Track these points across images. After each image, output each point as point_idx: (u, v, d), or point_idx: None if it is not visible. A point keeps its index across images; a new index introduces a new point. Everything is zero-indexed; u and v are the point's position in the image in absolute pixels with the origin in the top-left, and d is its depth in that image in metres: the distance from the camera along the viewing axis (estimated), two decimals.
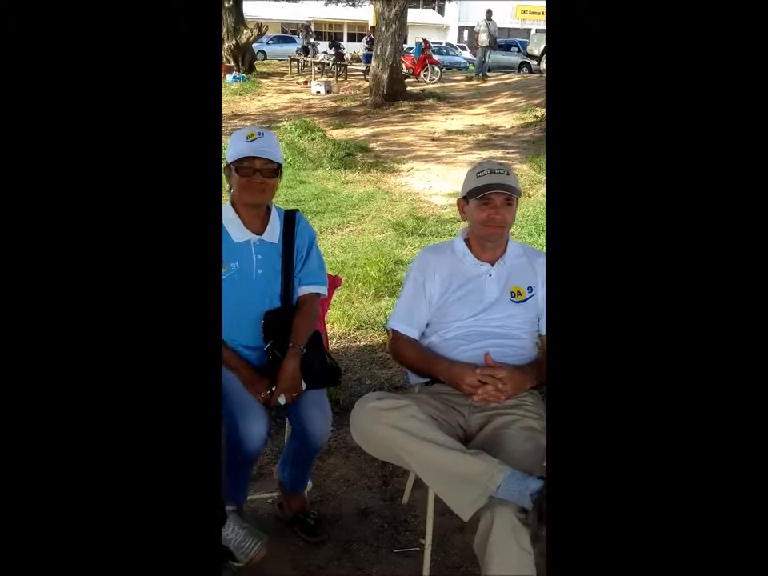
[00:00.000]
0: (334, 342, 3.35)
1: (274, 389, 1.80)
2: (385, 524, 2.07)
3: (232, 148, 1.84)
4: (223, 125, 11.16)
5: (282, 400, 1.81)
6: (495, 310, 1.80)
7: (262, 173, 1.81)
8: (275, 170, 1.84)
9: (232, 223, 1.87)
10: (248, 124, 10.34)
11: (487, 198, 1.76)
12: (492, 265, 1.85)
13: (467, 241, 1.89)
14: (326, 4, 21.63)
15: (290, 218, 1.96)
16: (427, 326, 1.87)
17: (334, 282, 2.19)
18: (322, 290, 2.00)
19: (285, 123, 9.71)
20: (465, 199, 1.85)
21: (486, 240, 1.83)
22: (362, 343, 3.43)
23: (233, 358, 1.84)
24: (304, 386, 1.83)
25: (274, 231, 1.92)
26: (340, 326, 3.53)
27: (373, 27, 16.44)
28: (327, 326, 2.76)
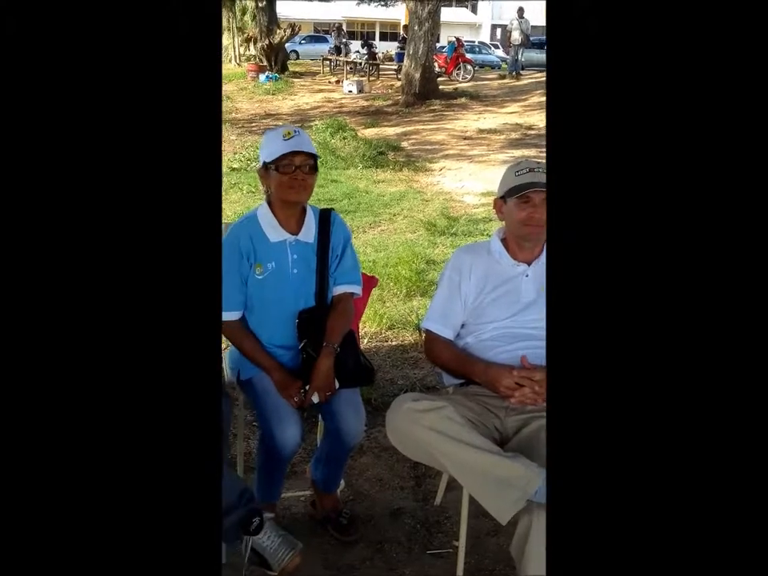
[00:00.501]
0: (365, 341, 3.36)
1: (307, 387, 1.81)
2: (417, 525, 2.07)
3: (269, 148, 1.84)
4: (255, 124, 11.23)
5: (315, 399, 1.81)
6: (532, 311, 1.78)
7: (302, 169, 1.81)
8: (313, 166, 1.84)
9: (268, 224, 1.88)
10: (280, 123, 10.41)
11: (527, 197, 1.74)
12: (529, 265, 1.83)
13: (504, 241, 1.88)
14: (359, 4, 21.67)
15: (326, 217, 1.96)
16: (462, 326, 1.86)
17: (370, 283, 2.19)
18: (356, 289, 1.99)
19: (317, 122, 9.76)
20: (503, 199, 1.83)
21: (525, 239, 1.81)
22: (393, 343, 3.43)
23: (266, 359, 1.84)
24: (337, 384, 1.84)
25: (309, 231, 1.92)
26: (372, 325, 3.53)
27: (405, 26, 16.41)
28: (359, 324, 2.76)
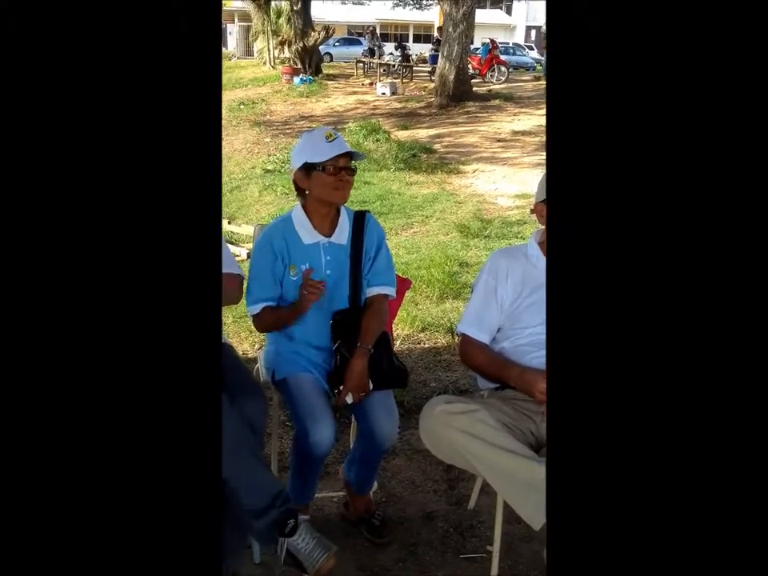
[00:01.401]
0: (398, 343, 3.36)
1: (341, 388, 1.81)
2: (450, 528, 2.06)
3: (312, 149, 1.84)
4: (289, 126, 11.32)
5: (349, 399, 1.82)
6: None
7: (345, 171, 1.84)
8: (353, 168, 1.87)
9: (302, 226, 1.89)
10: (314, 125, 10.47)
11: None
12: None
13: (542, 245, 1.86)
14: (394, 7, 21.67)
15: (360, 219, 1.97)
16: (498, 330, 1.85)
17: (403, 285, 2.19)
18: (390, 291, 1.99)
19: (350, 124, 9.80)
20: (544, 203, 1.81)
21: None
22: (426, 345, 3.42)
23: (290, 306, 1.87)
24: (371, 385, 1.84)
25: (342, 233, 1.93)
26: (404, 327, 3.53)
27: (440, 28, 16.39)
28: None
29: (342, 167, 1.82)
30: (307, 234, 1.90)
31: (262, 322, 1.92)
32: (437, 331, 3.53)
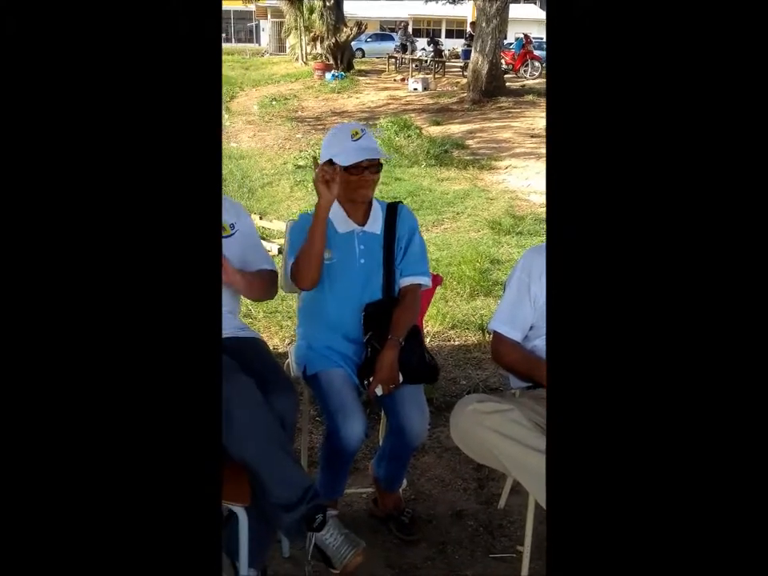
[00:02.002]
0: (428, 340, 3.34)
1: (371, 379, 1.81)
2: (480, 527, 2.04)
3: (337, 148, 1.84)
4: (321, 122, 11.37)
5: (378, 391, 1.81)
6: None
7: (369, 170, 1.84)
8: (379, 165, 1.87)
9: (336, 215, 1.90)
10: (346, 121, 10.49)
11: None
12: None
13: None
14: (426, 2, 21.59)
15: (393, 210, 1.98)
16: (531, 328, 1.82)
17: (434, 281, 2.17)
18: (424, 280, 1.97)
19: (381, 120, 9.78)
20: None
21: None
22: (456, 343, 3.40)
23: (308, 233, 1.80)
24: (401, 378, 1.83)
25: (376, 222, 1.94)
26: (434, 324, 3.52)
27: (473, 23, 16.28)
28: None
29: (366, 167, 1.83)
30: (341, 223, 1.91)
31: (297, 264, 1.84)
32: (467, 329, 3.50)
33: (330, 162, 1.83)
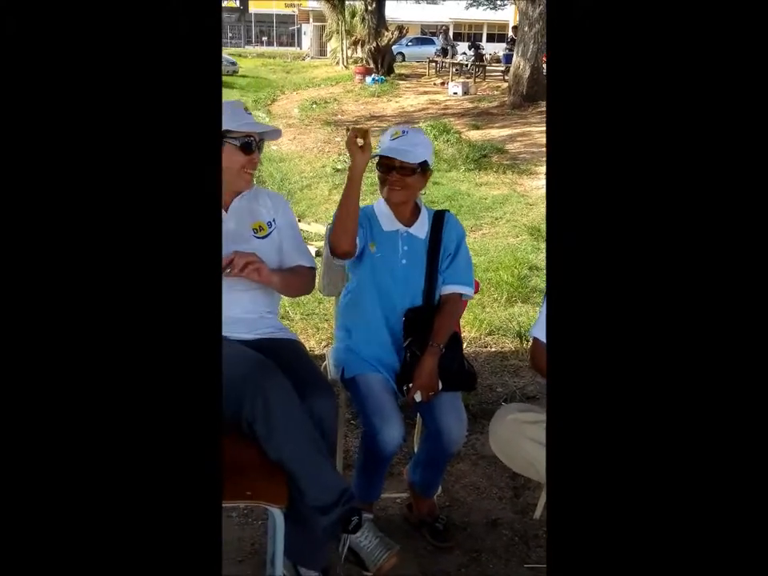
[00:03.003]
0: (464, 345, 3.32)
1: (410, 386, 1.81)
2: (515, 537, 2.02)
3: (381, 144, 1.91)
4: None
5: (417, 397, 1.81)
6: None
7: (398, 171, 1.84)
8: (414, 169, 1.85)
9: (383, 214, 1.93)
10: (384, 125, 10.51)
11: None
12: None
13: None
14: (468, 7, 21.54)
15: (439, 217, 1.98)
16: None
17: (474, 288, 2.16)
18: (467, 290, 1.98)
19: (420, 124, 9.78)
20: None
21: None
22: (493, 349, 3.38)
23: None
24: (440, 385, 1.82)
25: (422, 226, 1.95)
26: (471, 330, 3.50)
27: (515, 27, 16.18)
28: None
29: (396, 167, 1.84)
30: (387, 221, 1.93)
31: (333, 229, 1.81)
32: (504, 335, 3.47)
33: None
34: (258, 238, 1.77)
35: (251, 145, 1.71)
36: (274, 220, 1.81)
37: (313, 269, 1.87)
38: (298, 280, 1.82)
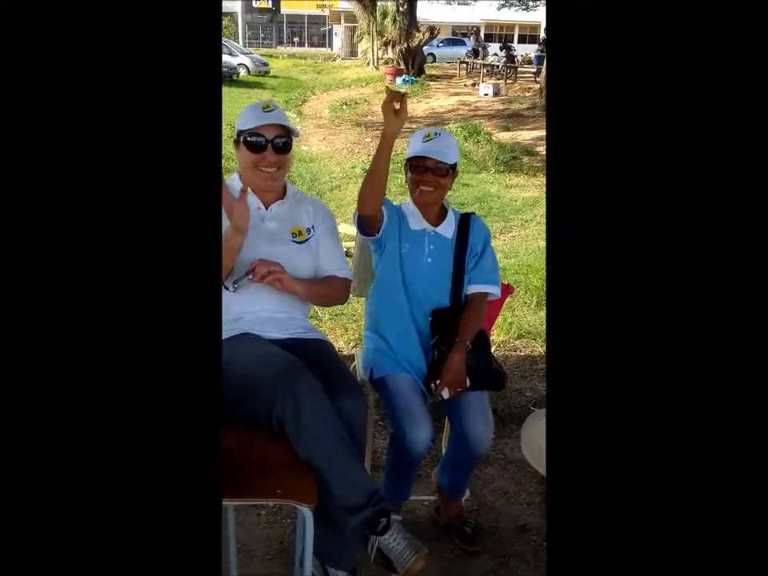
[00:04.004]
0: (493, 349, 3.30)
1: (437, 382, 1.80)
2: (544, 542, 2.00)
3: (411, 146, 1.92)
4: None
5: (445, 394, 1.81)
6: None
7: (432, 172, 1.85)
8: (448, 170, 1.87)
9: (411, 213, 1.94)
10: (414, 127, 10.50)
11: None
12: None
13: None
14: (500, 8, 21.44)
15: (466, 219, 2.00)
16: None
17: (506, 291, 2.15)
18: (493, 290, 1.98)
19: (450, 125, 9.75)
20: None
21: None
22: (522, 353, 3.35)
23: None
24: (468, 382, 1.82)
25: (449, 226, 1.96)
26: (500, 333, 3.47)
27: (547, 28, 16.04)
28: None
29: (429, 168, 1.86)
30: (415, 220, 1.94)
31: (362, 188, 1.82)
32: (534, 339, 3.45)
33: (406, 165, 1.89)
34: (296, 242, 1.78)
35: (258, 144, 1.73)
36: (313, 227, 1.83)
37: (348, 280, 1.87)
38: (329, 290, 1.82)
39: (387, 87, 1.77)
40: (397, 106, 1.65)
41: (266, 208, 1.79)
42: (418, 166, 1.87)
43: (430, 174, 1.86)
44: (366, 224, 1.86)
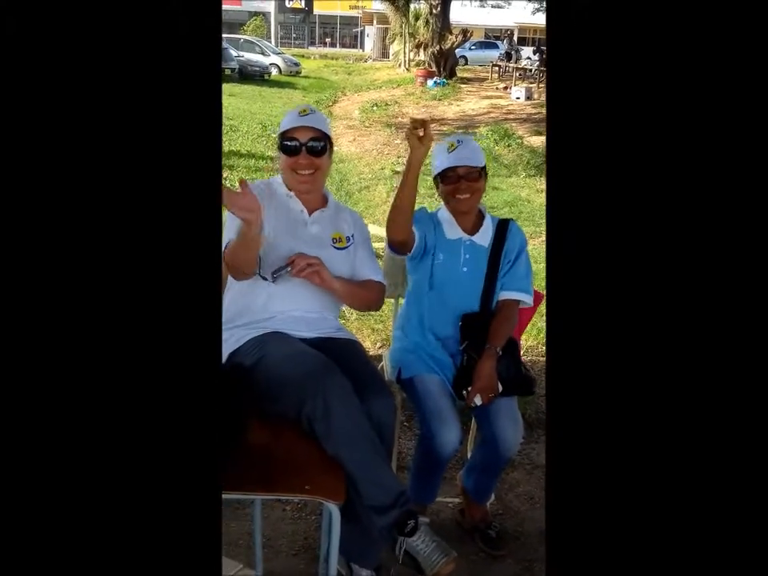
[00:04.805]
0: (522, 353, 3.29)
1: (469, 389, 1.80)
2: None
3: (436, 161, 1.92)
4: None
5: (477, 401, 1.80)
6: None
7: (466, 178, 1.86)
8: (480, 173, 1.89)
9: (446, 222, 1.94)
10: (445, 129, 10.49)
11: None
12: None
13: None
14: (534, 12, 21.32)
15: (503, 225, 1.99)
16: None
17: (538, 299, 2.14)
18: (525, 297, 1.97)
19: (481, 129, 9.72)
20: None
21: None
22: None
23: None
24: (500, 387, 1.81)
25: (485, 234, 1.96)
26: (528, 338, 3.45)
27: None
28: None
29: (462, 176, 1.86)
30: (451, 229, 1.94)
31: (389, 214, 1.81)
32: None
33: (435, 178, 1.91)
34: (336, 248, 1.81)
35: (292, 147, 1.76)
36: (352, 235, 1.86)
37: (383, 285, 1.89)
38: (366, 292, 1.84)
39: (412, 118, 1.76)
40: (420, 133, 1.65)
41: (309, 214, 1.82)
42: (449, 176, 1.88)
43: (464, 182, 1.87)
44: (398, 247, 1.87)
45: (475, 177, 1.88)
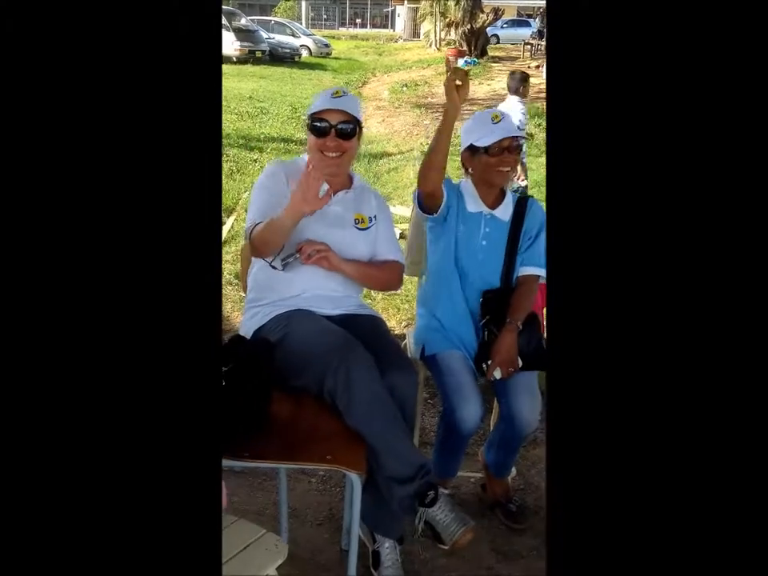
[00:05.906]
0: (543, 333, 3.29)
1: (489, 363, 1.83)
2: None
3: (477, 132, 1.90)
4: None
5: (497, 374, 1.83)
6: None
7: (509, 150, 1.88)
8: (519, 145, 1.92)
9: (469, 195, 1.96)
10: (475, 108, 10.38)
11: None
12: None
13: None
14: None
15: (523, 202, 2.00)
16: None
17: None
18: (544, 273, 1.98)
19: None
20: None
21: None
22: None
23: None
24: (521, 362, 1.84)
25: (506, 210, 1.97)
26: None
27: None
28: None
29: (506, 148, 1.86)
30: (472, 202, 1.96)
31: (422, 165, 1.86)
32: None
33: (471, 149, 1.90)
34: (358, 228, 1.83)
35: (321, 128, 1.76)
36: (375, 216, 1.88)
37: (401, 264, 1.91)
38: (380, 273, 1.86)
39: (448, 61, 1.77)
40: (459, 82, 1.67)
41: (333, 194, 1.83)
42: (495, 147, 1.86)
43: (507, 154, 1.87)
44: (426, 200, 1.88)
45: (518, 149, 1.90)
